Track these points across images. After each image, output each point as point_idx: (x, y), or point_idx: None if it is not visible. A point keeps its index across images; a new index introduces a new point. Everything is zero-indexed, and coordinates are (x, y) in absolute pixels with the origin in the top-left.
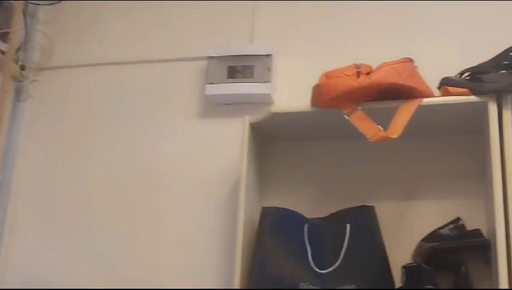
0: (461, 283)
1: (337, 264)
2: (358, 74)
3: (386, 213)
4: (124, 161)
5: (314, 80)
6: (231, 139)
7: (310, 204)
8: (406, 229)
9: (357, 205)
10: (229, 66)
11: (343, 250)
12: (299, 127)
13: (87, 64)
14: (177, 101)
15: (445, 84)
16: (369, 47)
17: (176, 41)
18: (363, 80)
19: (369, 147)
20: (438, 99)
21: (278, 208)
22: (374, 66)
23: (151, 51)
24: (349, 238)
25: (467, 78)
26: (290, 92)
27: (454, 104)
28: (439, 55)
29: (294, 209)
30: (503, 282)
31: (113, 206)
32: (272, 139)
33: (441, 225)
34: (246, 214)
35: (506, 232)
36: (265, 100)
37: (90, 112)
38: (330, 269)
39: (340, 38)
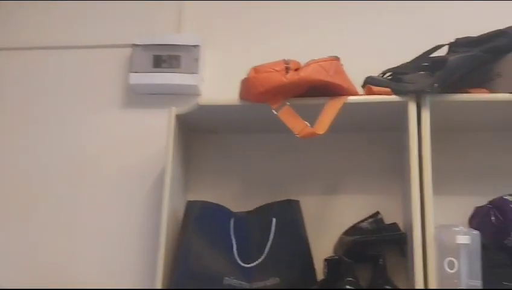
0: (379, 274)
1: (262, 258)
2: (287, 69)
3: (310, 207)
4: (42, 151)
5: (242, 73)
6: (156, 130)
7: (236, 198)
8: (328, 223)
9: (282, 198)
10: (154, 55)
11: (269, 244)
12: (226, 120)
13: (4, 48)
14: (99, 90)
15: (369, 83)
16: (297, 43)
17: (99, 27)
18: (292, 76)
19: (294, 142)
20: (362, 97)
21: (204, 202)
22: (301, 62)
23: (73, 36)
24: (274, 233)
25: (389, 77)
26: (218, 84)
27: (376, 102)
28: (364, 54)
29: (220, 203)
30: (419, 274)
31: (30, 199)
32: (199, 131)
33: (361, 218)
34: (170, 208)
35: (422, 226)
36: (192, 91)
37: (5, 99)
38: (255, 263)
39: (268, 33)
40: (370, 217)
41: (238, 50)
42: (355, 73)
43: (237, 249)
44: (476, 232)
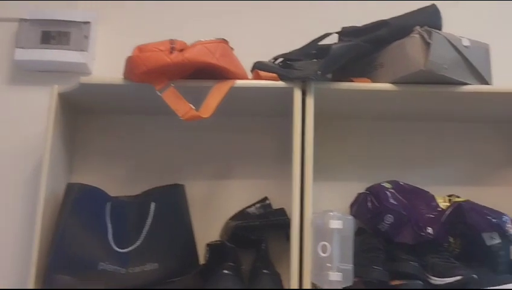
0: (260, 259)
1: (138, 243)
2: (172, 49)
3: (200, 192)
4: None
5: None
6: (40, 109)
7: (123, 181)
8: (218, 208)
9: (170, 183)
10: (43, 31)
11: (146, 229)
12: (112, 100)
13: None
14: None
15: (257, 68)
16: (192, 23)
17: None
18: (176, 57)
19: (184, 125)
20: (249, 82)
21: (82, 184)
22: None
23: None
24: (153, 217)
25: (280, 64)
26: (110, 63)
27: (264, 88)
28: (258, 39)
29: (107, 186)
30: (294, 257)
31: None
32: (84, 111)
33: (250, 203)
34: (49, 191)
35: (301, 211)
36: (81, 70)
37: None
38: (130, 248)
39: (162, 14)
40: (258, 202)
41: (133, 28)
42: (250, 58)
43: (112, 234)
44: (349, 217)
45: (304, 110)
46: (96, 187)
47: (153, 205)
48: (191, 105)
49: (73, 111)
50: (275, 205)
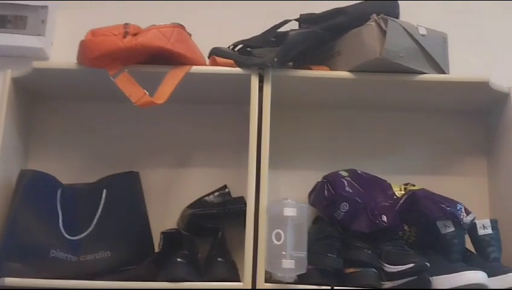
0: (216, 247)
1: (89, 230)
2: (126, 34)
3: (155, 181)
4: None
5: None
6: None
7: (79, 169)
8: (174, 197)
9: (125, 171)
10: None
11: (97, 216)
12: (65, 86)
13: None
14: None
15: (214, 54)
16: (151, 10)
17: None
18: (129, 41)
19: (142, 112)
20: (205, 68)
21: (34, 171)
22: None
23: None
24: (104, 204)
25: (239, 50)
26: (69, 48)
27: (220, 74)
28: (217, 25)
29: (61, 174)
30: (249, 246)
31: None
32: (40, 98)
33: (209, 191)
34: (2, 178)
35: (257, 200)
36: (38, 55)
37: None
38: (81, 236)
39: None
40: (217, 190)
41: (92, 13)
42: (210, 44)
43: (63, 221)
44: (304, 205)
45: (261, 97)
46: (47, 174)
47: (104, 192)
48: (145, 91)
49: (29, 97)
50: (235, 194)
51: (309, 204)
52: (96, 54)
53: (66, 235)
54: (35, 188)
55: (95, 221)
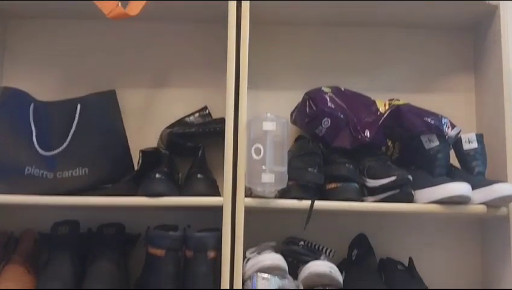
0: (196, 165)
1: (64, 146)
2: None
3: (134, 101)
4: None
5: None
6: None
7: (54, 89)
8: (153, 118)
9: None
10: None
11: (72, 132)
12: (39, 2)
13: None
14: None
15: None
16: None
17: None
18: None
19: (117, 31)
20: None
21: (5, 87)
22: None
23: None
24: (79, 120)
25: None
26: None
27: None
28: None
29: (37, 94)
30: (228, 162)
31: None
32: (13, 16)
33: (189, 113)
34: None
35: (236, 118)
36: None
37: None
38: (56, 152)
39: None
40: (197, 111)
41: None
42: None
43: (36, 137)
44: (283, 119)
45: (238, 14)
46: (19, 89)
47: (79, 107)
48: (119, 2)
49: (2, 15)
50: (216, 115)
51: (291, 122)
52: None
53: (40, 151)
54: (7, 104)
55: (69, 136)
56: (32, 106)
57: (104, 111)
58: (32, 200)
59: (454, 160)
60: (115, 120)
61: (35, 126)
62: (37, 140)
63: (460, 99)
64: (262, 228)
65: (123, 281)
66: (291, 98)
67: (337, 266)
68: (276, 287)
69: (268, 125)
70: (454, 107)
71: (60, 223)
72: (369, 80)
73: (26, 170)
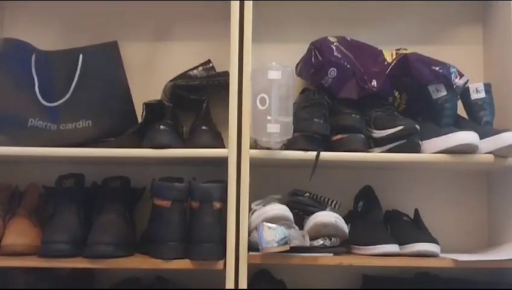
0: (200, 118)
1: (67, 97)
2: None
3: (137, 54)
4: None
5: None
6: None
7: (56, 41)
8: (157, 71)
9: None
10: None
11: (74, 82)
12: None
13: None
14: None
15: None
16: None
17: None
18: None
19: None
20: None
21: (6, 38)
22: None
23: None
24: (81, 71)
25: None
26: None
27: None
28: None
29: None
30: (233, 113)
31: None
32: None
33: (193, 66)
34: None
35: (240, 69)
36: None
37: None
38: (59, 102)
39: None
40: (200, 65)
41: None
42: None
43: (39, 87)
44: (288, 68)
45: None
46: (20, 40)
47: (81, 57)
48: None
49: None
50: (219, 68)
51: (296, 75)
52: None
53: (43, 102)
54: (8, 54)
55: (72, 87)
56: (34, 56)
57: (106, 62)
58: (36, 152)
59: (461, 112)
60: (117, 72)
61: (37, 76)
62: (39, 91)
63: (468, 51)
64: (267, 183)
65: (130, 233)
66: (296, 51)
67: (343, 218)
68: (282, 237)
69: (274, 74)
70: (462, 59)
71: (64, 176)
72: (376, 31)
73: (29, 121)
